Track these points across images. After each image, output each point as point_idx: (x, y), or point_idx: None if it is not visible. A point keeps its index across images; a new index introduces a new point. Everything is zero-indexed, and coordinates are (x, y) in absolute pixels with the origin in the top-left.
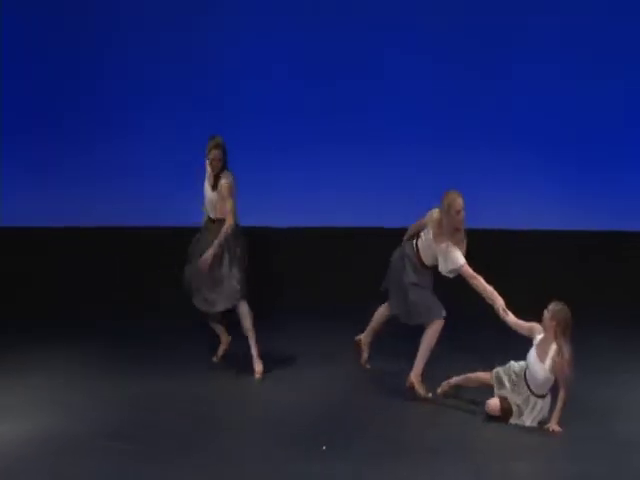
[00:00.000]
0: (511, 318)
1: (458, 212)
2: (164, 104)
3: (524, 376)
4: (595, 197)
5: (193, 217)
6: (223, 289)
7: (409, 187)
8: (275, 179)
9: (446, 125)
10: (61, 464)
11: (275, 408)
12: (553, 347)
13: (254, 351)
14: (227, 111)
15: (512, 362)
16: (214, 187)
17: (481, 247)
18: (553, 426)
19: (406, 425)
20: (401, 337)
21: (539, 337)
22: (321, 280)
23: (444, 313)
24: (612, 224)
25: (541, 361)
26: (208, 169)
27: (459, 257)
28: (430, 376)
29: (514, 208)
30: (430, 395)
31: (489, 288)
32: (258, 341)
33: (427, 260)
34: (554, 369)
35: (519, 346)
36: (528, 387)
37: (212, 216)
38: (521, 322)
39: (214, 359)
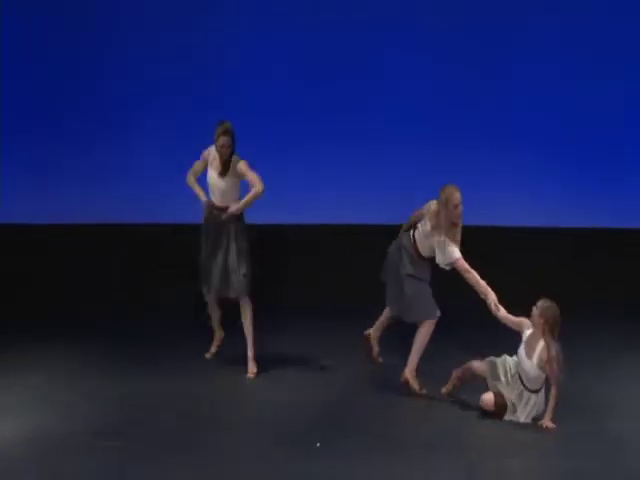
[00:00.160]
0: (502, 313)
1: (456, 206)
2: (164, 103)
3: (517, 371)
4: (594, 195)
5: (193, 215)
6: (231, 280)
7: (409, 186)
8: (275, 178)
9: (446, 124)
10: (59, 463)
11: (271, 407)
12: (541, 344)
13: (250, 352)
14: (227, 111)
15: (506, 356)
16: (223, 173)
17: (479, 243)
18: (547, 423)
19: (401, 421)
20: (397, 333)
21: (528, 333)
22: (321, 278)
23: (438, 313)
24: (611, 222)
25: (529, 357)
26: (213, 155)
27: (454, 251)
28: (426, 372)
29: (512, 207)
30: (424, 391)
31: (482, 282)
32: (255, 342)
33: (424, 251)
34: (542, 366)
35: (514, 341)
36: (521, 382)
37: (219, 203)
38: (511, 317)
39: (207, 355)
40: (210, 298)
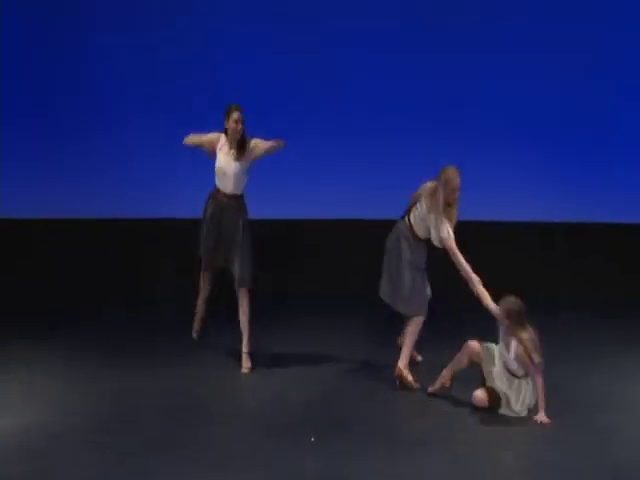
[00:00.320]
0: (486, 299)
1: (454, 190)
2: (163, 100)
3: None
4: (590, 190)
5: (190, 210)
6: (235, 272)
7: (409, 181)
8: (275, 174)
9: (444, 120)
10: (53, 457)
11: (265, 402)
12: (513, 341)
13: (245, 347)
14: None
15: (494, 345)
16: (239, 156)
17: (473, 238)
18: (541, 418)
19: (395, 416)
20: (393, 328)
21: (502, 327)
22: (320, 274)
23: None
24: (608, 217)
25: (507, 351)
26: (223, 140)
27: (447, 229)
28: (421, 368)
29: (508, 202)
30: (418, 385)
31: (468, 267)
32: (251, 338)
33: (420, 232)
34: (519, 360)
35: None
36: (507, 370)
37: (229, 191)
38: (492, 305)
39: (194, 335)
40: (205, 273)
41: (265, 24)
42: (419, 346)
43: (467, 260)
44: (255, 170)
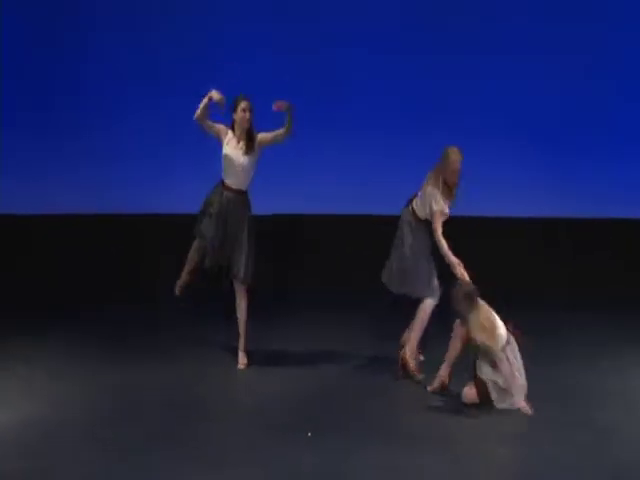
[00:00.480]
0: (464, 281)
1: (454, 172)
2: (162, 99)
3: None
4: (589, 188)
5: (190, 204)
6: (237, 268)
7: (409, 177)
8: (277, 169)
9: (444, 120)
10: (52, 451)
11: (262, 397)
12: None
13: (241, 343)
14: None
15: None
16: (248, 150)
17: (469, 234)
18: (517, 404)
19: (393, 412)
20: (390, 324)
21: None
22: (320, 270)
23: (437, 299)
24: (603, 212)
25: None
26: (230, 135)
27: (439, 204)
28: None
29: (505, 197)
30: (421, 376)
31: (447, 247)
32: (248, 334)
33: (421, 213)
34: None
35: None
36: None
37: (236, 186)
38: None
39: (176, 291)
40: (197, 246)
41: (265, 24)
42: (423, 344)
43: (468, 256)
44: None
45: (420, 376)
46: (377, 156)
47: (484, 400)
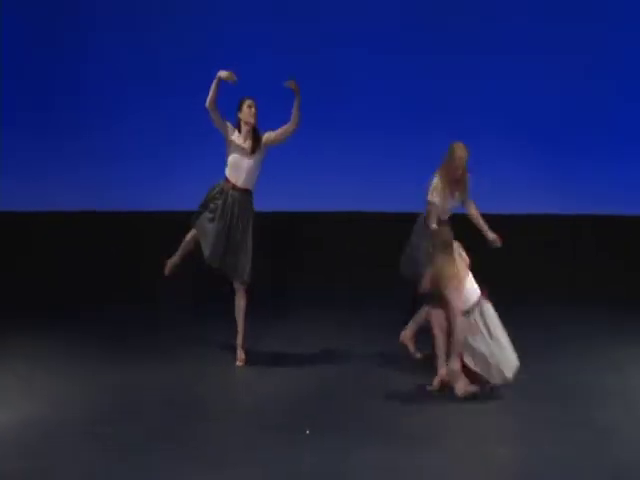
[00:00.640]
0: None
1: (457, 167)
2: (162, 98)
3: None
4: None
5: (188, 203)
6: (238, 266)
7: (409, 174)
8: (280, 166)
9: (444, 120)
10: (51, 450)
11: (260, 395)
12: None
13: (240, 340)
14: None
15: None
16: (253, 149)
17: (470, 231)
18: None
19: (392, 411)
20: (391, 324)
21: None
22: (321, 268)
23: None
24: (602, 210)
25: None
26: (236, 135)
27: (437, 195)
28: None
29: (506, 194)
30: (418, 355)
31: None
32: (246, 331)
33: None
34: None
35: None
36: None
37: (240, 184)
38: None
39: (165, 271)
40: (193, 236)
41: (265, 24)
42: (419, 342)
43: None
44: None
45: (417, 355)
46: (377, 156)
47: (478, 382)
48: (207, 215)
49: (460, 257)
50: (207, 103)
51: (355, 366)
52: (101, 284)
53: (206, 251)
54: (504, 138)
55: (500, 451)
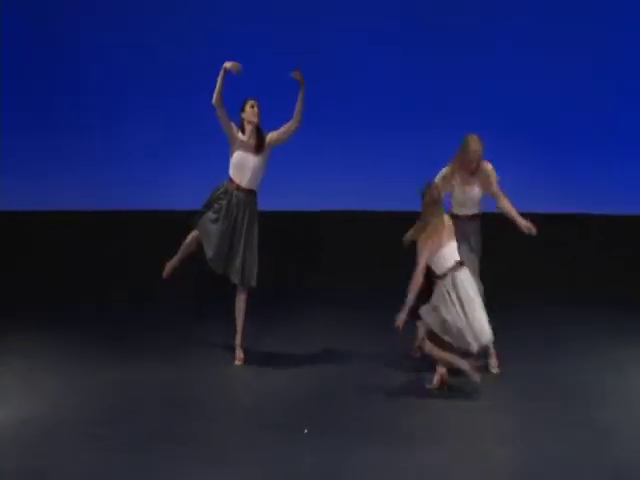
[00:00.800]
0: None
1: (470, 160)
2: (162, 98)
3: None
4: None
5: (188, 203)
6: (243, 268)
7: (404, 175)
8: (286, 165)
9: (444, 120)
10: (49, 450)
11: (259, 395)
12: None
13: (239, 340)
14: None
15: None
16: (258, 148)
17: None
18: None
19: (392, 410)
20: (391, 324)
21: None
22: (322, 267)
23: None
24: (601, 211)
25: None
26: (240, 136)
27: (439, 178)
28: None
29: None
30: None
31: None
32: (245, 331)
33: (460, 209)
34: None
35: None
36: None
37: (245, 185)
38: None
39: (163, 274)
40: (195, 238)
41: (265, 24)
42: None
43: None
44: None
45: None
46: (377, 155)
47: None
48: (210, 215)
49: (447, 224)
50: (214, 99)
51: (355, 366)
52: (101, 284)
53: (209, 252)
54: (504, 138)
55: (500, 451)
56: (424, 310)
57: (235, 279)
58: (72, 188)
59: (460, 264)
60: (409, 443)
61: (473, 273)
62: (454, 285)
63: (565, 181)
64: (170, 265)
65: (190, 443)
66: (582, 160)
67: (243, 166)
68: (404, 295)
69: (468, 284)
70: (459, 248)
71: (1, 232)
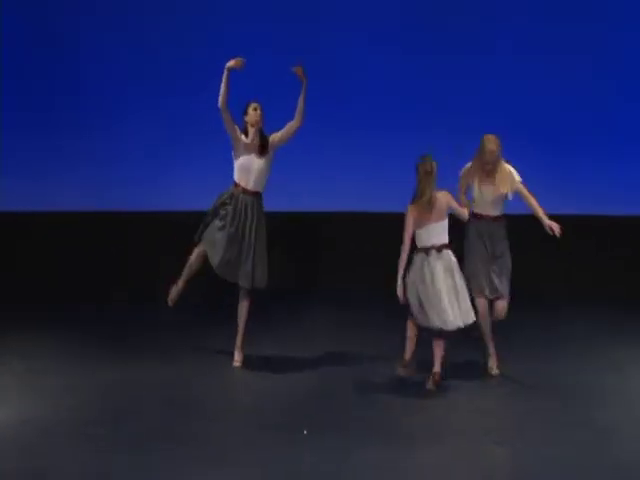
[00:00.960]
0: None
1: (487, 162)
2: (162, 98)
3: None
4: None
5: (188, 203)
6: (254, 271)
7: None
8: (291, 166)
9: (444, 120)
10: (47, 450)
11: (258, 396)
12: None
13: (239, 341)
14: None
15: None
16: (262, 151)
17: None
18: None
19: (391, 411)
20: (391, 324)
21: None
22: (322, 268)
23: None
24: (602, 210)
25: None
26: (243, 138)
27: (461, 174)
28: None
29: None
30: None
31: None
32: (246, 333)
33: (485, 210)
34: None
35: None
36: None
37: (251, 187)
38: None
39: (169, 302)
40: (199, 254)
41: (265, 24)
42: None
43: None
44: None
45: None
46: (377, 155)
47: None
48: (216, 224)
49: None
50: (219, 102)
51: (355, 366)
52: (101, 284)
53: (215, 260)
54: (504, 138)
55: (500, 451)
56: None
57: (245, 284)
58: (72, 188)
59: (438, 249)
60: (409, 443)
61: (476, 270)
62: (422, 265)
63: (565, 181)
64: (176, 291)
65: (190, 443)
66: (582, 160)
67: (248, 169)
68: None
69: (438, 270)
70: (474, 245)
71: (1, 232)
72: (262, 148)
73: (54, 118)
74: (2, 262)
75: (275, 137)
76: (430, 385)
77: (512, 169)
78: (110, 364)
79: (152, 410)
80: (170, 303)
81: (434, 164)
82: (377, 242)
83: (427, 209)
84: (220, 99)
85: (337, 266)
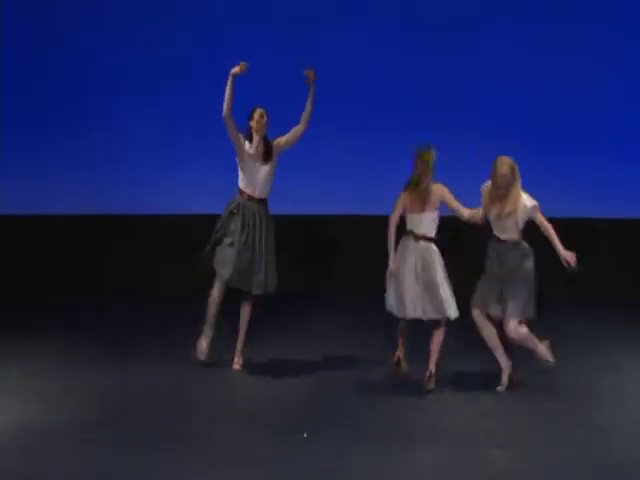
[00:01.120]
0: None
1: (499, 187)
2: (161, 98)
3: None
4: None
5: (188, 204)
6: (265, 277)
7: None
8: (294, 169)
9: (444, 120)
10: (46, 454)
11: (258, 398)
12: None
13: (239, 344)
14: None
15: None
16: (266, 157)
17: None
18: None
19: (390, 411)
20: (391, 325)
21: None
22: (323, 270)
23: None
24: (601, 211)
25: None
26: (247, 147)
27: (481, 191)
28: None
29: None
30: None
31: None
32: (247, 337)
33: (507, 235)
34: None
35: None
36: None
37: (256, 194)
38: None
39: (200, 356)
40: (221, 286)
41: (265, 24)
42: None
43: (469, 255)
44: None
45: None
46: (376, 155)
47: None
48: (226, 242)
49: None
50: (224, 111)
51: (355, 367)
52: (101, 285)
53: (226, 274)
54: (504, 138)
55: (499, 451)
56: None
57: (258, 290)
58: (72, 188)
59: (416, 238)
60: (409, 443)
61: (481, 286)
62: (403, 248)
63: (565, 182)
64: (205, 345)
65: (190, 443)
66: (582, 160)
67: (253, 176)
68: None
69: (410, 259)
70: (486, 263)
71: (1, 233)
72: (266, 155)
73: (54, 118)
74: (2, 263)
75: (280, 141)
76: (429, 385)
77: (526, 195)
78: (110, 365)
79: (152, 411)
80: (204, 358)
81: (432, 154)
82: (377, 244)
83: (419, 198)
84: (225, 107)
85: (337, 268)
